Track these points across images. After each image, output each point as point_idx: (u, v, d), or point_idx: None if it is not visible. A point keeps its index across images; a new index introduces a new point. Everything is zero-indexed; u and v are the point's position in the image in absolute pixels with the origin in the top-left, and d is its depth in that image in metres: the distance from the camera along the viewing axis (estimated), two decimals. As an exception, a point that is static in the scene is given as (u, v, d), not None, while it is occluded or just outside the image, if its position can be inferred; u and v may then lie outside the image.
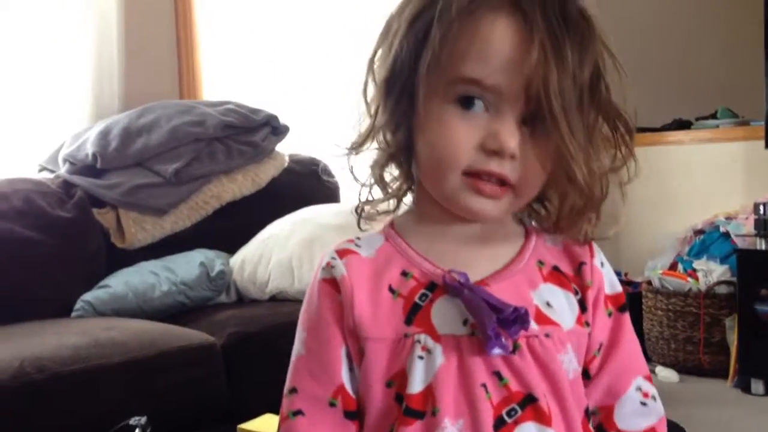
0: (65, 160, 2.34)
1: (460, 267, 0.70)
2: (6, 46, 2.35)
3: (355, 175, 0.76)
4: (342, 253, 0.73)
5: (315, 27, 3.02)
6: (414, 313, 0.69)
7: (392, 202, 0.76)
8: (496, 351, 0.66)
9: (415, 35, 0.68)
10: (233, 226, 2.38)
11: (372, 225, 0.76)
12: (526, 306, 0.68)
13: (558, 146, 0.66)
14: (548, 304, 0.71)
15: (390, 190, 0.75)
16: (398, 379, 0.68)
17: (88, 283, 2.09)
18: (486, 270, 0.71)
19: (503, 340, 0.66)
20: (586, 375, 0.74)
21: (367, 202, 0.76)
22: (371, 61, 0.73)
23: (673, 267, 3.16)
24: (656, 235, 3.48)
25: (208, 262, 2.14)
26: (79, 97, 2.49)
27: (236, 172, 2.46)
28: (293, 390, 0.71)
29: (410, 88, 0.68)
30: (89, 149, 2.30)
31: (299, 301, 2.18)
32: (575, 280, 0.74)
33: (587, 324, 0.73)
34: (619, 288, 0.76)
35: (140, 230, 2.26)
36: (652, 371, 2.95)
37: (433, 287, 0.70)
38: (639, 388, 0.75)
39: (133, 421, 1.23)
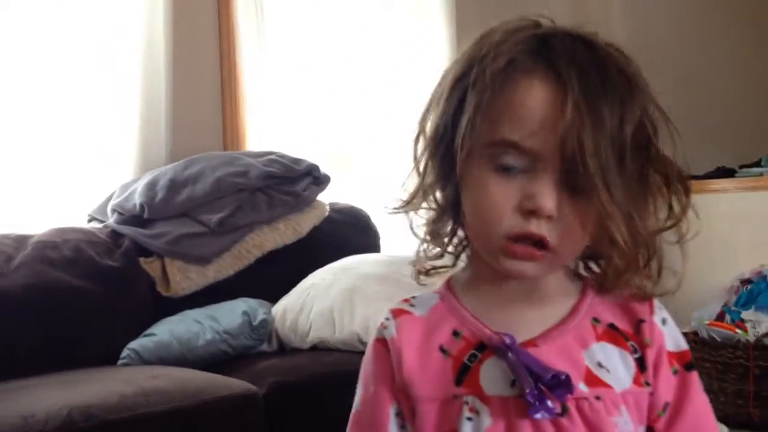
0: (113, 210, 2.41)
1: (510, 326, 0.70)
2: (59, 101, 2.44)
3: (414, 230, 0.77)
4: (396, 313, 0.74)
5: (356, 80, 3.08)
6: (464, 374, 0.69)
7: (450, 258, 0.77)
8: (538, 416, 0.65)
9: (456, 99, 0.70)
10: (275, 274, 2.41)
11: (430, 280, 0.78)
12: (576, 367, 0.68)
13: (598, 214, 0.66)
14: (600, 365, 0.70)
15: (446, 246, 0.76)
16: None
17: (134, 331, 2.12)
18: (536, 329, 0.71)
19: (549, 403, 0.65)
20: None
21: (424, 257, 0.77)
22: (422, 120, 0.74)
23: (720, 317, 3.09)
24: (702, 285, 3.41)
25: (251, 311, 2.16)
26: (128, 149, 2.57)
27: (278, 221, 2.49)
28: None
29: (453, 149, 0.70)
30: (137, 200, 2.36)
31: (340, 351, 2.19)
32: (634, 337, 0.72)
33: (647, 384, 0.71)
34: (684, 346, 0.74)
35: (185, 279, 2.30)
36: (701, 425, 2.87)
37: (482, 348, 0.70)
38: None
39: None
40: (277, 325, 2.22)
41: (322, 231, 2.56)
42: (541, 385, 0.65)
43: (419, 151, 0.75)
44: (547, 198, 0.66)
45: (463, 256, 0.77)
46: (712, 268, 3.42)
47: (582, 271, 0.76)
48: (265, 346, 2.19)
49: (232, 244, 2.39)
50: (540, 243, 0.67)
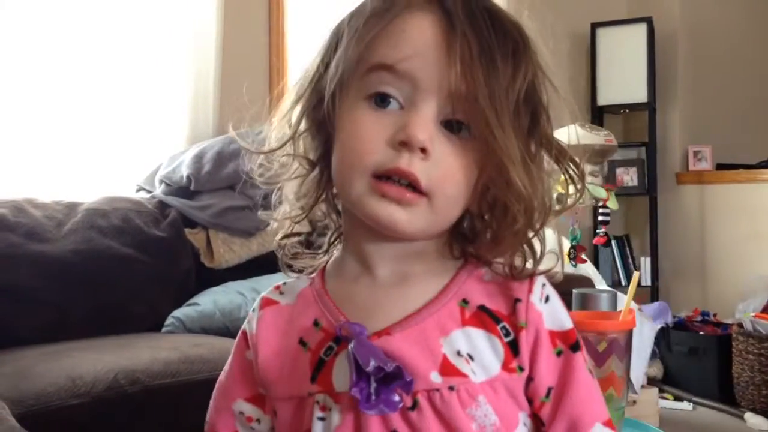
0: (161, 181, 2.45)
1: (371, 312, 0.64)
2: (113, 75, 2.48)
3: (273, 202, 0.73)
4: (264, 302, 0.71)
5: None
6: (318, 370, 0.64)
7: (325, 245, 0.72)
8: (371, 412, 0.60)
9: (332, 40, 0.66)
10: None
11: (300, 265, 0.72)
12: (430, 355, 0.62)
13: (490, 152, 0.60)
14: (459, 353, 0.63)
15: (309, 211, 0.71)
16: None
17: (178, 300, 2.16)
18: (396, 315, 0.64)
19: (394, 397, 0.60)
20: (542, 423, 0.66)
21: (288, 235, 0.73)
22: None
23: (765, 310, 3.03)
24: (747, 275, 3.35)
25: (292, 285, 2.19)
26: (177, 121, 2.61)
27: (322, 197, 2.51)
28: (211, 424, 0.73)
29: (326, 93, 0.65)
30: (184, 171, 2.40)
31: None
32: (507, 319, 0.64)
33: (521, 368, 0.64)
34: (568, 325, 0.66)
35: (228, 251, 2.34)
36: (740, 417, 2.83)
37: (338, 340, 0.64)
38: None
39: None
40: (318, 299, 2.24)
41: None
42: (376, 379, 0.60)
43: (291, 102, 0.70)
44: (421, 128, 0.59)
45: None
46: (759, 258, 3.36)
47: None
48: (305, 320, 2.22)
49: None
50: (412, 187, 0.60)
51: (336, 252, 0.71)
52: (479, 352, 0.63)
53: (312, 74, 0.67)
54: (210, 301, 2.12)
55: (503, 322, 0.64)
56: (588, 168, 2.87)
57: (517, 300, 0.65)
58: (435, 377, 0.62)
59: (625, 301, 1.24)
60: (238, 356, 0.71)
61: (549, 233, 0.67)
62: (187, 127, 2.62)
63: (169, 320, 2.09)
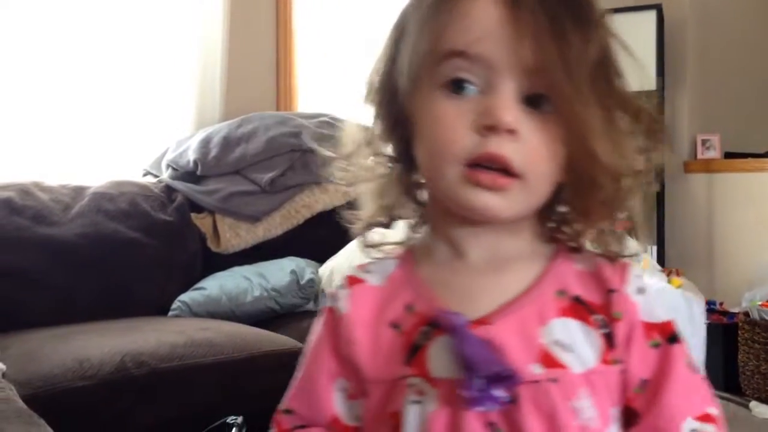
0: (168, 166, 2.45)
1: (466, 299, 0.63)
2: (119, 59, 2.48)
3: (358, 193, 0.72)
4: (350, 281, 0.69)
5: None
6: (413, 354, 0.63)
7: (403, 229, 0.71)
8: (481, 408, 0.59)
9: (395, 39, 0.65)
10: (323, 235, 2.42)
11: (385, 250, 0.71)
12: (530, 346, 0.61)
13: (572, 125, 0.59)
14: (558, 343, 0.62)
15: (394, 209, 0.70)
16: (395, 421, 0.63)
17: (185, 284, 2.17)
18: (494, 302, 0.63)
19: (495, 393, 0.58)
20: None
21: (372, 224, 0.71)
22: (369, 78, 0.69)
23: (772, 299, 3.02)
24: (754, 264, 3.33)
25: (299, 270, 2.19)
26: (184, 106, 2.61)
27: (328, 183, 2.51)
28: (289, 411, 0.70)
29: (399, 90, 0.64)
30: (191, 156, 2.40)
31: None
32: (603, 310, 0.63)
33: (616, 361, 0.62)
34: (664, 317, 0.65)
35: (235, 236, 2.34)
36: (746, 406, 2.83)
37: (434, 325, 0.63)
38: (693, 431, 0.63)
39: (230, 419, 1.27)
40: (324, 285, 2.25)
41: (370, 194, 2.57)
42: (484, 377, 0.59)
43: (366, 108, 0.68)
44: (506, 110, 0.58)
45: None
46: (765, 246, 3.35)
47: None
48: (311, 305, 2.22)
49: (282, 203, 2.41)
50: (504, 170, 0.59)
51: (420, 234, 0.70)
52: (577, 344, 0.62)
53: (381, 72, 0.66)
54: (216, 285, 2.12)
55: (599, 313, 0.63)
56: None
57: (612, 291, 0.64)
58: (536, 369, 0.60)
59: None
60: (329, 336, 0.68)
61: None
62: (193, 111, 2.61)
63: (175, 304, 2.10)
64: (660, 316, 0.65)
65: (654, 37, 3.52)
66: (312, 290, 2.20)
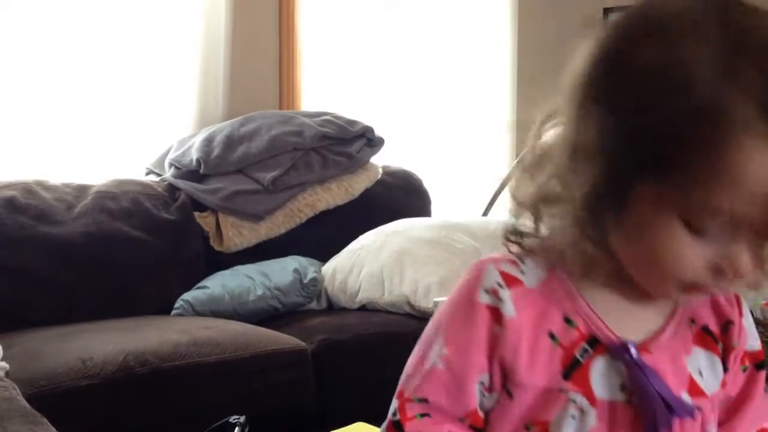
0: (171, 165, 2.45)
1: (623, 323, 0.66)
2: (122, 57, 2.48)
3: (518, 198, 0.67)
4: (508, 279, 0.66)
5: (414, 43, 3.06)
6: (573, 368, 0.65)
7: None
8: None
9: (629, 122, 0.58)
10: (326, 234, 2.43)
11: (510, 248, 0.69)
12: (681, 376, 0.65)
13: None
14: (700, 372, 0.66)
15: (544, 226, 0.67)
16: (540, 427, 0.65)
17: (188, 283, 2.17)
18: (644, 329, 0.66)
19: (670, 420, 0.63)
20: None
21: (520, 233, 0.67)
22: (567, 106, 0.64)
23: (776, 298, 3.02)
24: (758, 264, 3.32)
25: (302, 269, 2.19)
26: (186, 105, 2.60)
27: (331, 182, 2.51)
28: (423, 400, 0.67)
29: (614, 175, 0.59)
30: (193, 155, 2.39)
31: (388, 312, 2.20)
32: (722, 338, 0.68)
33: (724, 384, 0.68)
34: (758, 345, 0.70)
35: (237, 234, 2.34)
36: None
37: (593, 343, 0.65)
38: None
39: (233, 419, 1.27)
40: (327, 284, 2.25)
41: (374, 193, 2.57)
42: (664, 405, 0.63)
43: (552, 146, 0.64)
44: (747, 263, 0.58)
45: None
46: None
47: None
48: (314, 304, 2.22)
49: (285, 202, 2.41)
50: None
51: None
52: (707, 372, 0.67)
53: (602, 147, 0.59)
54: (219, 284, 2.12)
55: (720, 342, 0.68)
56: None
57: (730, 322, 0.68)
58: (686, 398, 0.64)
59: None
60: (485, 331, 0.66)
61: None
62: (196, 110, 2.61)
63: (178, 303, 2.10)
64: (755, 345, 0.70)
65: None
66: (314, 289, 2.20)
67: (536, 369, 0.65)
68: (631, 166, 0.58)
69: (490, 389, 0.67)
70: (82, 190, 2.23)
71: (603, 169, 0.59)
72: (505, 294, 0.66)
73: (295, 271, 2.18)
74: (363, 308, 2.18)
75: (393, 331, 1.97)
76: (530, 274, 0.67)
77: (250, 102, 2.66)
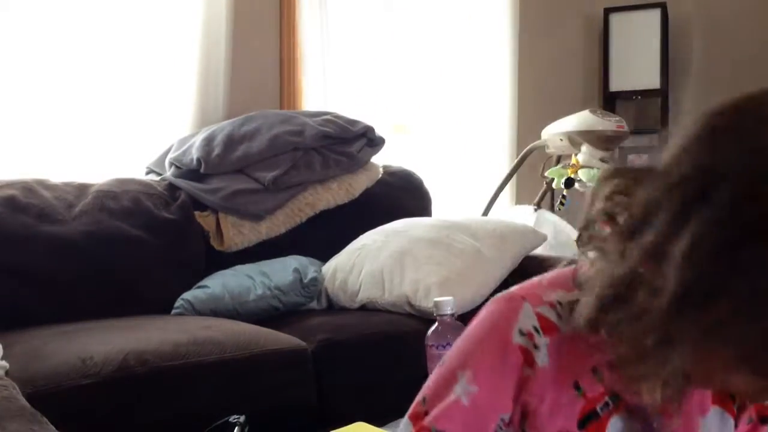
0: (171, 164, 2.45)
1: None
2: (122, 57, 2.48)
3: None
4: (546, 325, 0.65)
5: (415, 44, 3.06)
6: (589, 420, 0.65)
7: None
8: None
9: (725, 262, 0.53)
10: (326, 234, 2.43)
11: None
12: None
13: None
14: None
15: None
16: None
17: (188, 282, 2.17)
18: None
19: None
20: None
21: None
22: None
23: None
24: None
25: (302, 269, 2.19)
26: (186, 104, 2.60)
27: (331, 181, 2.51)
28: None
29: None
30: (194, 154, 2.39)
31: (389, 312, 2.20)
32: (739, 398, 0.69)
33: None
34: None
35: (238, 234, 2.34)
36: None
37: (616, 399, 0.65)
38: None
39: (233, 418, 1.27)
40: (327, 283, 2.25)
41: (374, 193, 2.57)
42: None
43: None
44: None
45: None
46: None
47: None
48: (314, 304, 2.22)
49: (285, 201, 2.41)
50: None
51: None
52: (717, 430, 0.68)
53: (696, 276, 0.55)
54: (219, 283, 2.12)
55: (737, 401, 0.69)
56: (599, 154, 2.85)
57: None
58: None
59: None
60: (514, 373, 0.65)
61: None
62: (197, 109, 2.61)
63: (178, 302, 2.10)
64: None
65: (658, 35, 3.51)
66: (315, 288, 2.19)
67: (556, 417, 0.65)
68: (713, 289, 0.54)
69: (508, 425, 0.66)
70: (83, 189, 2.22)
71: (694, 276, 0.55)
72: (542, 342, 0.65)
73: (296, 270, 2.17)
74: (363, 308, 2.18)
75: (393, 331, 1.97)
76: (565, 321, 0.66)
77: (250, 101, 2.66)
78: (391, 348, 1.93)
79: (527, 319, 0.65)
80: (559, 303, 0.66)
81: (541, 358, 0.65)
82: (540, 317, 0.66)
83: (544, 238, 2.41)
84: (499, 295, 0.70)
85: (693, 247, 0.53)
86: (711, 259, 0.53)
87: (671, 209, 0.56)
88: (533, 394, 0.65)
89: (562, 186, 2.84)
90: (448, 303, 1.31)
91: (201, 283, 2.15)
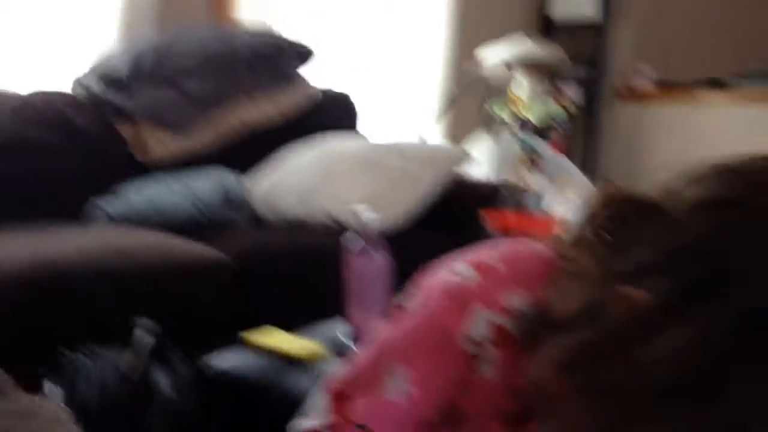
0: (95, 75, 2.35)
1: None
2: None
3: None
4: (500, 339, 0.60)
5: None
6: (520, 420, 0.62)
7: None
8: None
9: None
10: (254, 150, 2.39)
11: None
12: None
13: None
14: None
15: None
16: None
17: (108, 193, 2.11)
18: None
19: None
20: None
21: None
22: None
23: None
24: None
25: (228, 183, 2.15)
26: (112, 15, 2.49)
27: (261, 97, 2.45)
28: (367, 429, 0.62)
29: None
30: (119, 66, 2.30)
31: (315, 228, 2.18)
32: None
33: None
34: None
35: (160, 145, 2.27)
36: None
37: None
38: None
39: (140, 322, 1.25)
40: (253, 199, 2.22)
41: (304, 110, 2.52)
42: None
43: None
44: None
45: None
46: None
47: None
48: (239, 218, 2.19)
49: (212, 115, 2.35)
50: None
51: None
52: None
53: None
54: (140, 194, 2.07)
55: None
56: (536, 86, 2.86)
57: None
58: None
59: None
60: (457, 376, 0.62)
61: None
62: (123, 21, 2.50)
63: (97, 212, 2.05)
64: None
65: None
66: (240, 203, 2.16)
67: (491, 420, 0.61)
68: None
69: (440, 424, 0.63)
70: (4, 98, 2.13)
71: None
72: (494, 355, 0.59)
73: (221, 184, 2.14)
74: (289, 224, 2.16)
75: (317, 246, 1.96)
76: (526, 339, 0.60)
77: (179, 13, 2.56)
78: (314, 263, 1.93)
79: (479, 328, 0.59)
80: (520, 312, 0.59)
81: (489, 371, 0.60)
82: (494, 327, 0.59)
83: (471, 158, 2.42)
84: (447, 281, 0.62)
85: (687, 344, 0.49)
86: (706, 362, 0.49)
87: (676, 281, 0.51)
88: (472, 400, 0.61)
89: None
90: (365, 212, 1.31)
91: (122, 194, 2.09)
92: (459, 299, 0.59)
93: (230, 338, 1.74)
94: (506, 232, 1.02)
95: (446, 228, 2.14)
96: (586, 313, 0.54)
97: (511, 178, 2.96)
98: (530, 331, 0.58)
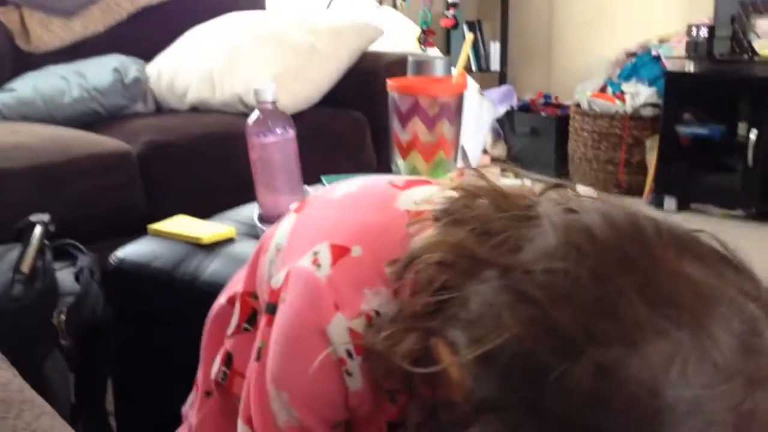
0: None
1: None
2: None
3: None
4: (360, 346, 0.58)
5: None
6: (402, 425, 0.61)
7: None
8: None
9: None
10: (150, 32, 2.25)
11: None
12: None
13: None
14: None
15: None
16: None
17: (-6, 88, 1.97)
18: None
19: None
20: None
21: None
22: None
23: (603, 90, 3.18)
24: (588, 58, 3.46)
25: (123, 69, 2.03)
26: None
27: (153, -27, 2.28)
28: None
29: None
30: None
31: (220, 112, 2.11)
32: None
33: None
34: None
35: (46, 32, 2.11)
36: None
37: None
38: None
39: (34, 217, 1.19)
40: (153, 84, 2.11)
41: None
42: None
43: None
44: None
45: None
46: (600, 41, 3.46)
47: None
48: (140, 107, 2.09)
49: (100, -4, 2.19)
50: None
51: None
52: None
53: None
54: (29, 86, 1.93)
55: None
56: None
57: None
58: None
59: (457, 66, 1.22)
60: (336, 386, 0.60)
61: None
62: None
63: (-18, 108, 1.91)
64: None
65: None
66: (138, 90, 2.05)
67: (371, 423, 0.60)
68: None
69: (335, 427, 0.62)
70: None
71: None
72: (354, 364, 0.56)
73: (116, 70, 2.01)
74: (194, 109, 2.07)
75: (224, 131, 1.89)
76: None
77: None
78: (222, 148, 1.87)
79: (339, 342, 0.55)
80: (377, 314, 0.55)
81: (355, 383, 0.57)
82: (353, 334, 0.55)
83: (381, 33, 2.34)
84: (304, 277, 0.57)
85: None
86: None
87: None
88: (352, 406, 0.59)
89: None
90: (268, 89, 1.25)
91: (7, 86, 1.95)
92: (316, 305, 0.56)
93: (139, 231, 1.70)
94: (413, 96, 1.01)
95: (354, 102, 2.09)
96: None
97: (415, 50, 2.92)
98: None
